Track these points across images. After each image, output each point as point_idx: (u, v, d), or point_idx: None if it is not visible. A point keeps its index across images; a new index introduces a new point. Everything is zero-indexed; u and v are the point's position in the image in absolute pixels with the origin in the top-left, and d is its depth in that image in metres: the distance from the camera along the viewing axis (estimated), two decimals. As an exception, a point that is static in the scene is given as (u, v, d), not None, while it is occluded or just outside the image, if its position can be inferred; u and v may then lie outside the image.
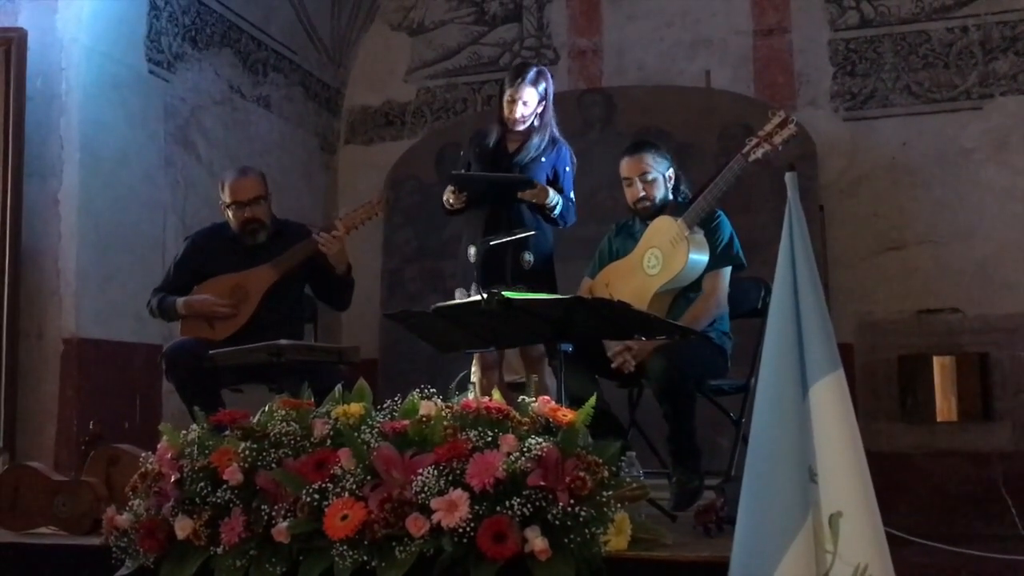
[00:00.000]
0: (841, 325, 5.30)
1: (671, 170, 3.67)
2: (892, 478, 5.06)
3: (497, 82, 3.82)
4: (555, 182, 3.73)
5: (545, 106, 3.76)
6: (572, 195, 3.77)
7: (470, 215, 3.74)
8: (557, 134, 3.82)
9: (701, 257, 3.45)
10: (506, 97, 3.71)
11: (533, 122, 3.74)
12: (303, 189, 6.49)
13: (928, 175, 5.89)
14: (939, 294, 5.77)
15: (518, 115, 3.69)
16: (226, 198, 3.92)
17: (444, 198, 3.74)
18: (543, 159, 3.71)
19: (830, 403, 1.96)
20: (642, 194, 3.62)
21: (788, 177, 2.08)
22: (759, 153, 3.44)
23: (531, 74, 3.72)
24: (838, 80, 6.14)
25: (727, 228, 3.58)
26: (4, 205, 4.53)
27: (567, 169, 3.78)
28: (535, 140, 3.73)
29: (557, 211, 3.68)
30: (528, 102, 3.70)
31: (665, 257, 3.47)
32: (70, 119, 4.75)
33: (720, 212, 3.58)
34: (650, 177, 3.62)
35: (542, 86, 3.74)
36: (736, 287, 3.62)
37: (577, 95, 6.47)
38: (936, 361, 5.64)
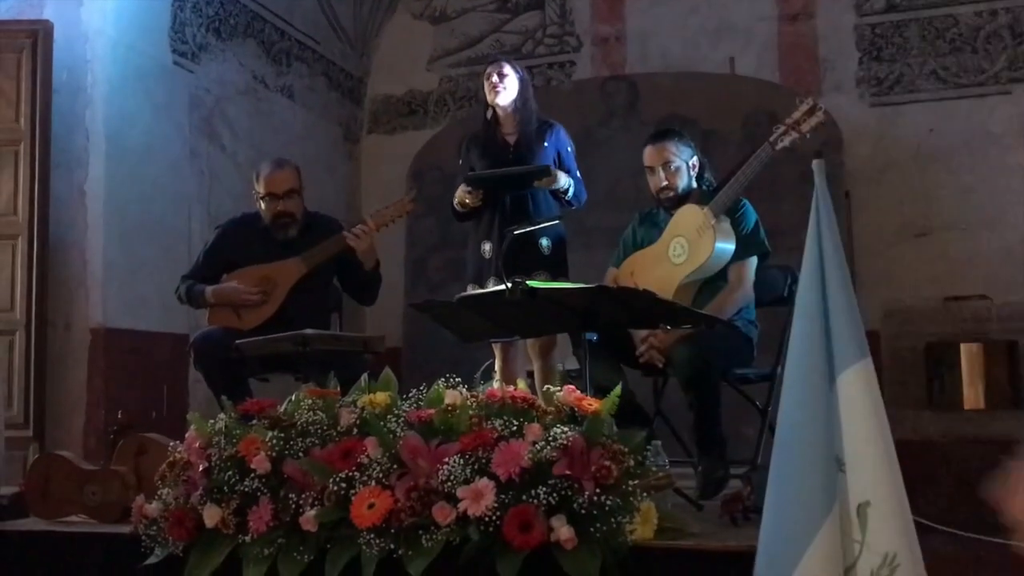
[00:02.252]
0: (868, 312, 5.26)
1: (695, 158, 3.64)
2: (919, 466, 5.02)
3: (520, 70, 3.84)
4: (560, 164, 3.79)
5: (524, 90, 3.80)
6: (578, 173, 3.83)
7: (481, 213, 3.78)
8: (545, 117, 3.90)
9: (727, 246, 3.43)
10: (491, 84, 3.78)
11: (520, 111, 3.77)
12: (326, 179, 6.51)
13: (955, 161, 5.84)
14: (967, 281, 5.71)
15: (503, 91, 3.74)
16: (260, 189, 3.92)
17: (457, 201, 3.77)
18: (546, 143, 3.75)
19: (858, 392, 1.94)
20: (665, 183, 3.60)
21: (815, 164, 2.06)
22: (786, 141, 3.41)
23: (503, 59, 3.88)
24: (864, 65, 6.08)
25: (752, 216, 3.56)
26: (31, 196, 4.58)
27: (568, 149, 3.85)
28: (529, 127, 3.79)
29: (571, 193, 3.75)
30: (508, 84, 3.76)
31: (691, 246, 3.45)
32: (96, 111, 4.79)
33: (745, 200, 3.56)
34: (673, 166, 3.59)
35: (519, 70, 3.83)
36: (762, 275, 3.60)
37: (600, 83, 6.45)
38: (964, 348, 5.59)
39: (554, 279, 3.57)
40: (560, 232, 3.78)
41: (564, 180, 3.70)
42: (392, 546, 2.33)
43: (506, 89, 3.75)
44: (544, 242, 3.70)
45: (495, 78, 3.76)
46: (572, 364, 3.89)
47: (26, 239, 4.56)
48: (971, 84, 5.87)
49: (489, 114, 3.83)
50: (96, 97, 4.79)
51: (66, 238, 4.72)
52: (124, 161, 4.86)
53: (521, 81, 3.80)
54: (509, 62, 3.84)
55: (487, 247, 3.73)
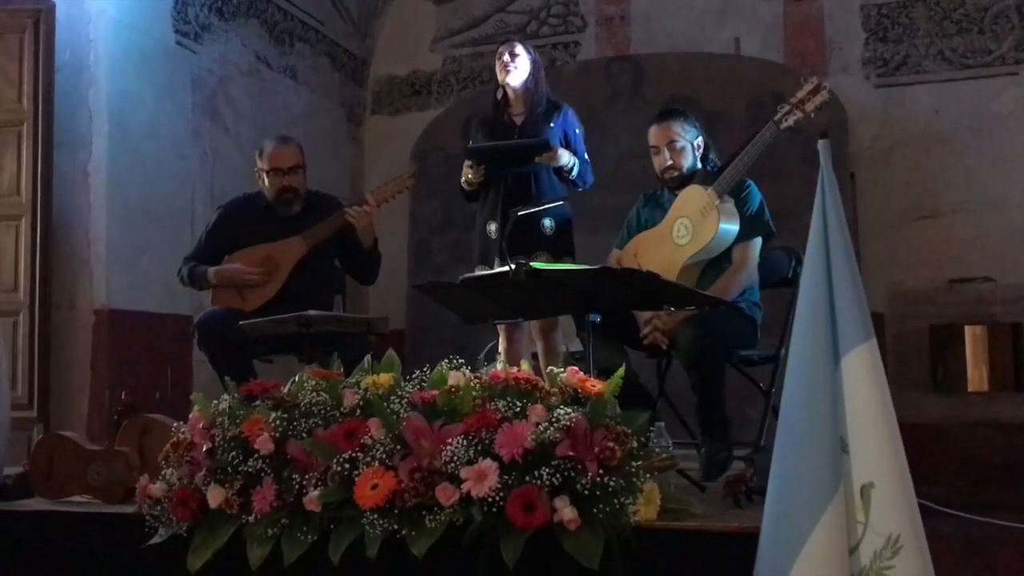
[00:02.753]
0: (872, 294, 5.23)
1: (700, 138, 3.63)
2: (923, 448, 5.02)
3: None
4: (567, 145, 3.79)
5: (535, 72, 3.81)
6: (586, 155, 3.84)
7: (487, 193, 3.77)
8: (556, 99, 3.90)
9: (731, 226, 3.42)
10: (502, 63, 3.80)
11: (531, 92, 3.77)
12: (329, 160, 6.49)
13: (961, 143, 5.81)
14: (971, 263, 5.70)
15: (514, 71, 3.76)
16: (264, 165, 3.92)
17: (462, 179, 3.79)
18: (552, 124, 3.75)
19: (863, 373, 1.94)
20: (669, 163, 3.58)
21: (821, 145, 2.04)
22: (791, 120, 3.39)
23: (516, 39, 3.95)
24: (870, 46, 6.04)
25: (757, 196, 3.54)
26: (34, 177, 4.57)
27: (576, 131, 3.86)
28: (537, 108, 3.80)
29: (575, 173, 3.77)
30: (520, 64, 3.77)
31: (695, 227, 3.44)
32: (99, 91, 4.77)
33: (750, 181, 3.54)
34: (678, 145, 3.58)
35: (531, 52, 3.85)
36: (767, 257, 3.59)
37: (605, 63, 6.42)
38: (968, 331, 5.59)
39: (556, 260, 3.57)
40: (565, 213, 3.78)
41: (566, 158, 3.70)
42: (395, 527, 2.33)
43: (517, 69, 3.76)
44: (547, 223, 3.71)
45: (506, 57, 3.77)
46: (576, 346, 3.89)
47: (29, 220, 4.56)
48: (977, 65, 5.84)
49: (499, 94, 3.83)
50: (99, 77, 4.78)
51: (69, 219, 4.72)
52: (127, 142, 4.86)
53: (533, 63, 3.81)
54: (521, 43, 3.87)
55: (492, 227, 3.75)
